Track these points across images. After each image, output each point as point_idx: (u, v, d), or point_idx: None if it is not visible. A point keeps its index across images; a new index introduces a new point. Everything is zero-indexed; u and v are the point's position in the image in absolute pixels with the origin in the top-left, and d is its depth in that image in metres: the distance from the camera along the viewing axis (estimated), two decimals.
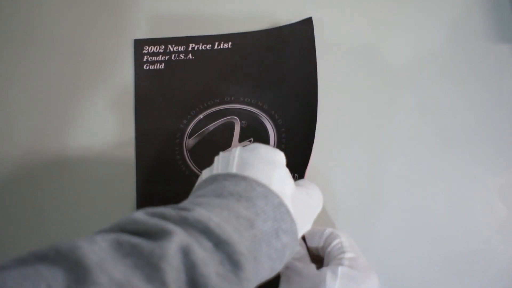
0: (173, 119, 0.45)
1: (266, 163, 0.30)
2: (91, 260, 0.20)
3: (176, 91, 0.45)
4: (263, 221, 0.26)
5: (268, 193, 0.28)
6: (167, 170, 0.43)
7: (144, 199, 0.42)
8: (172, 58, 0.46)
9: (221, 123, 0.44)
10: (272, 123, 0.44)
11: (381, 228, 0.42)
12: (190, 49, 0.47)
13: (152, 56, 0.47)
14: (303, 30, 0.46)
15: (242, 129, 0.44)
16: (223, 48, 0.46)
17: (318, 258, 0.36)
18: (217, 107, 0.45)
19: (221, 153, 0.33)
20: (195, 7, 0.48)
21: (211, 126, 0.44)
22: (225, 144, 0.44)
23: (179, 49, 0.47)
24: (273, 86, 0.45)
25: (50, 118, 0.45)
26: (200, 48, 0.46)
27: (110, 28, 0.48)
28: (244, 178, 0.28)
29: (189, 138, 0.44)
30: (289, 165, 0.34)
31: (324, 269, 0.32)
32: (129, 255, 0.21)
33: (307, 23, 0.46)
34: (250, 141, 0.44)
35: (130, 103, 0.45)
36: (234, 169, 0.29)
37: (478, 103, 0.45)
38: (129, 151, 0.44)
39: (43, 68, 0.47)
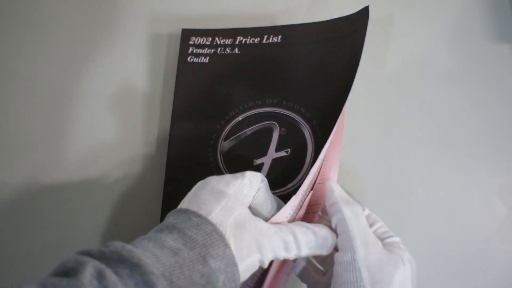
0: (210, 119, 0.42)
1: (213, 194, 0.31)
2: None
3: (217, 89, 0.43)
4: (189, 249, 0.27)
5: (202, 222, 0.29)
6: (197, 172, 0.41)
7: (170, 198, 0.41)
8: (218, 51, 0.44)
9: (259, 127, 0.41)
10: (312, 135, 0.40)
11: None
12: (237, 42, 0.44)
13: (198, 48, 0.44)
14: (357, 22, 0.40)
15: (280, 137, 0.41)
16: (272, 42, 0.43)
17: None
18: (257, 110, 0.42)
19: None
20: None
21: (248, 130, 0.42)
22: (261, 151, 0.41)
23: (226, 42, 0.44)
24: (319, 90, 0.41)
25: (70, 115, 0.46)
26: (247, 41, 0.44)
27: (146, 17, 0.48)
28: (185, 211, 0.30)
29: (224, 140, 0.41)
30: None
31: (392, 249, 0.32)
32: None
33: (363, 14, 0.40)
34: (287, 152, 0.40)
35: (169, 97, 0.44)
36: (185, 205, 0.31)
37: (478, 103, 0.45)
38: (161, 147, 0.43)
39: (57, 65, 0.47)
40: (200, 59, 0.44)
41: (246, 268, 0.29)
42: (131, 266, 0.25)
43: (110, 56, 0.47)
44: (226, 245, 0.28)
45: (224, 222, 0.29)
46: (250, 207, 0.33)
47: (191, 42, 0.45)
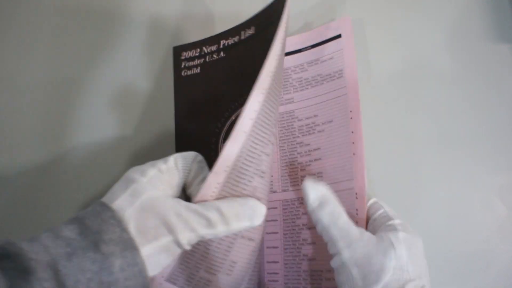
0: (208, 124, 0.43)
1: (123, 183, 0.32)
2: None
3: (210, 95, 0.44)
4: (82, 237, 0.28)
5: (102, 210, 0.29)
6: None
7: None
8: (207, 60, 0.45)
9: None
10: None
11: None
12: (221, 46, 0.44)
13: (189, 62, 0.45)
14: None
15: None
16: (248, 36, 0.43)
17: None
18: None
19: None
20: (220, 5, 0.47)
21: None
22: None
23: (212, 49, 0.45)
24: None
25: (74, 124, 0.46)
26: (229, 43, 0.44)
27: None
28: (93, 203, 0.31)
29: (223, 142, 0.42)
30: None
31: (383, 234, 0.32)
32: None
33: None
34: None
35: (171, 114, 0.45)
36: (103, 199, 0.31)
37: (478, 103, 0.45)
38: (163, 148, 0.44)
39: (54, 73, 0.47)
40: (192, 71, 0.45)
41: (158, 251, 0.29)
42: (14, 257, 0.25)
43: (110, 56, 0.47)
44: (123, 229, 0.28)
45: (127, 207, 0.30)
46: (185, 189, 0.34)
47: (182, 58, 0.46)
